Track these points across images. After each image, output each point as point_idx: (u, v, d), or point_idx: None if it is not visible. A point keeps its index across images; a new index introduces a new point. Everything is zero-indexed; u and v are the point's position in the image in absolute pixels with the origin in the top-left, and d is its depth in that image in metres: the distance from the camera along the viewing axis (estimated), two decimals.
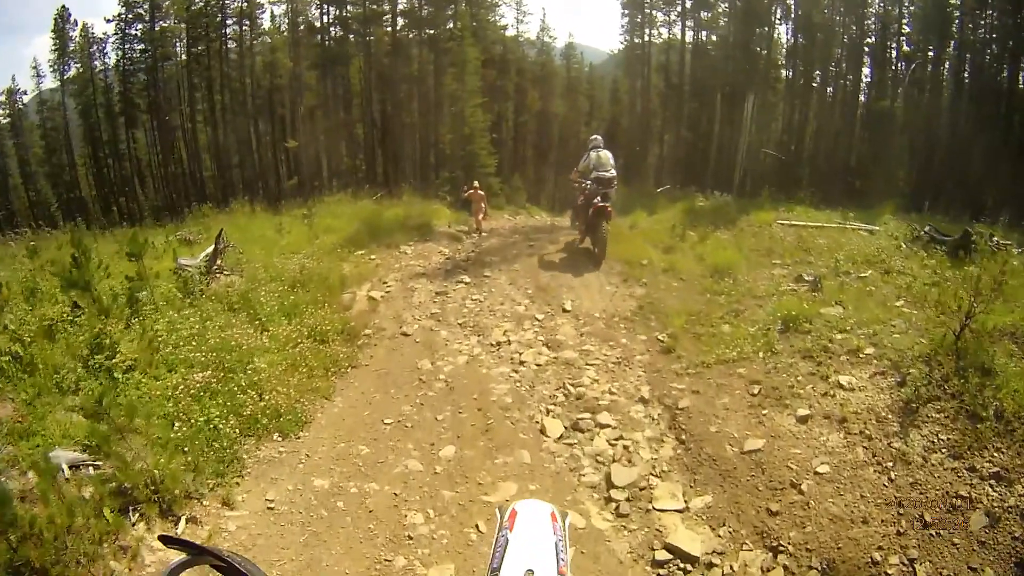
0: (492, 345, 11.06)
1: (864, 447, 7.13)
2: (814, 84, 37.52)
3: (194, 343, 9.26)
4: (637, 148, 38.54)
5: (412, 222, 18.69)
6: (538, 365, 10.23)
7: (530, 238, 17.65)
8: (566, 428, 8.58)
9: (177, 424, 7.35)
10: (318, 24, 37.12)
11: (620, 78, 44.22)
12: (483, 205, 19.11)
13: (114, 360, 8.32)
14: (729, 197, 23.69)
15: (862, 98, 37.42)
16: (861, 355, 8.70)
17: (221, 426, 7.61)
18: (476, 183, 20.01)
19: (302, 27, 37.47)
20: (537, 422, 8.70)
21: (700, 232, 16.61)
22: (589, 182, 14.25)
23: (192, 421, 7.52)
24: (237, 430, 7.77)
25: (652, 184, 31.39)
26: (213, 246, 14.29)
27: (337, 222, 18.63)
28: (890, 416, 7.40)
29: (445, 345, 11.15)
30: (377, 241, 16.72)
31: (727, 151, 36.88)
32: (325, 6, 36.25)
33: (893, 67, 36.55)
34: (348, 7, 36.29)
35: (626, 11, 39.63)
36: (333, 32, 37.49)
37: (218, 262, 13.84)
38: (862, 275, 12.24)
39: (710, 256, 14.53)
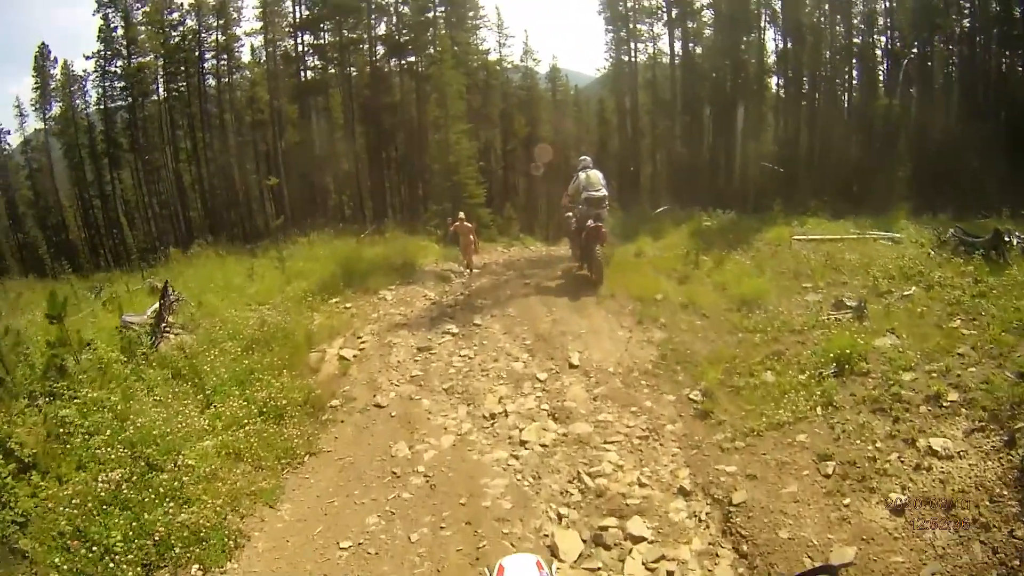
0: (485, 418, 8.67)
1: (982, 542, 5.10)
2: (804, 89, 35.18)
3: (111, 431, 7.15)
4: (631, 168, 36.20)
5: (394, 262, 16.24)
6: (543, 446, 7.81)
7: (525, 274, 15.27)
8: (586, 543, 6.18)
9: (62, 557, 5.43)
10: (293, 54, 34.74)
11: (607, 98, 42.00)
12: (472, 238, 16.69)
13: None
14: (732, 214, 21.37)
15: (847, 101, 35.45)
16: (944, 404, 6.70)
17: (120, 559, 5.52)
18: (462, 215, 17.62)
19: (279, 58, 35.16)
20: (546, 535, 6.31)
21: (715, 256, 14.31)
22: (580, 206, 13.13)
23: (90, 546, 5.54)
24: (141, 566, 5.62)
25: (648, 205, 28.92)
26: (158, 301, 11.97)
27: (311, 265, 16.17)
28: (1005, 492, 5.39)
29: (427, 419, 8.76)
30: (354, 286, 14.28)
31: (720, 166, 34.97)
32: (299, 34, 33.93)
33: (882, 65, 34.62)
34: (324, 35, 34.05)
35: (610, 27, 37.17)
36: (309, 62, 35.30)
37: (167, 319, 11.58)
38: (905, 293, 10.46)
39: (733, 285, 12.21)
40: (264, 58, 36.12)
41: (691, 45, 36.31)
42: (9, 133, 39.46)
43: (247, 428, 8.17)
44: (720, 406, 8.22)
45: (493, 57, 39.26)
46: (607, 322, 11.23)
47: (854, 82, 35.22)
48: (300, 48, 34.75)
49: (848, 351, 8.15)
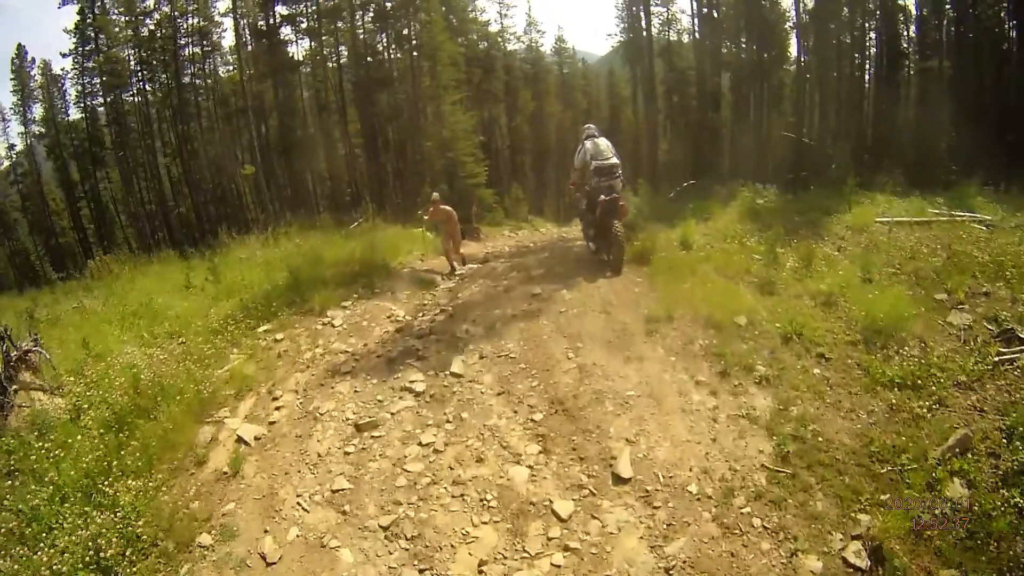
0: None
1: None
2: (829, 55, 29.74)
3: None
4: (650, 141, 31.27)
5: (361, 264, 11.31)
6: None
7: (532, 275, 10.43)
8: None
9: None
10: (264, 27, 29.52)
11: (618, 69, 38.12)
12: (455, 227, 12.16)
13: None
14: (774, 189, 17.24)
15: (872, 67, 29.93)
16: None
17: None
18: (436, 195, 12.66)
19: (249, 32, 30.38)
20: None
21: (798, 249, 9.63)
22: (592, 180, 10.40)
23: None
24: None
25: (669, 182, 24.07)
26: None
27: (251, 274, 11.50)
28: None
29: None
30: (299, 303, 9.67)
31: (743, 137, 30.02)
32: (271, 5, 28.83)
33: (906, 28, 29.22)
34: (296, 5, 29.13)
35: None
36: (285, 35, 30.34)
37: (21, 376, 7.39)
38: None
39: (844, 297, 7.79)
40: (243, 38, 31.34)
41: (712, 10, 31.09)
42: None
43: None
44: None
45: (494, 28, 35.14)
46: (670, 372, 6.48)
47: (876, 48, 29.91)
48: (272, 21, 29.48)
49: None
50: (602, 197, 9.91)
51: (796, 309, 7.45)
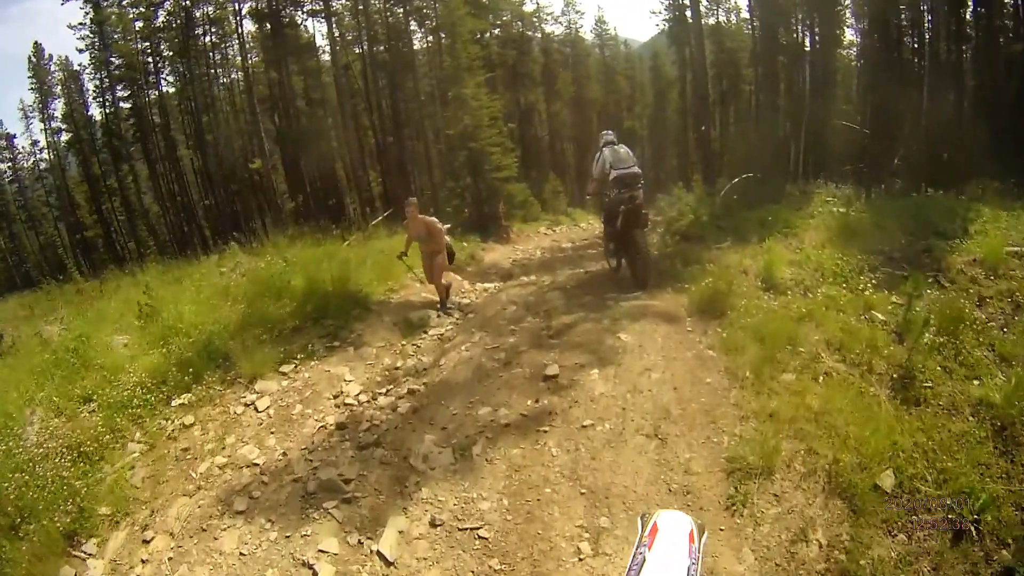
0: None
1: None
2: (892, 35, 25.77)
3: None
4: (703, 128, 27.77)
5: (331, 296, 8.41)
6: None
7: (553, 324, 7.59)
8: None
9: None
10: (266, 9, 26.68)
11: (662, 52, 35.53)
12: (440, 246, 9.29)
13: None
14: (848, 189, 14.77)
15: (928, 46, 25.40)
16: None
17: None
18: (412, 201, 9.62)
19: (247, 15, 27.79)
20: None
21: (936, 308, 6.23)
22: (611, 190, 9.50)
23: None
24: None
25: (723, 174, 20.81)
26: None
27: (195, 311, 8.44)
28: None
29: None
30: (231, 362, 6.97)
31: (799, 125, 26.62)
32: None
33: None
34: None
35: None
36: (291, 17, 27.45)
37: None
38: None
39: None
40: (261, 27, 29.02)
41: None
42: (15, 137, 35.97)
43: None
44: None
45: (529, 8, 32.37)
46: None
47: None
48: (274, 2, 26.72)
49: None
50: (623, 207, 9.10)
51: (960, 443, 4.40)
